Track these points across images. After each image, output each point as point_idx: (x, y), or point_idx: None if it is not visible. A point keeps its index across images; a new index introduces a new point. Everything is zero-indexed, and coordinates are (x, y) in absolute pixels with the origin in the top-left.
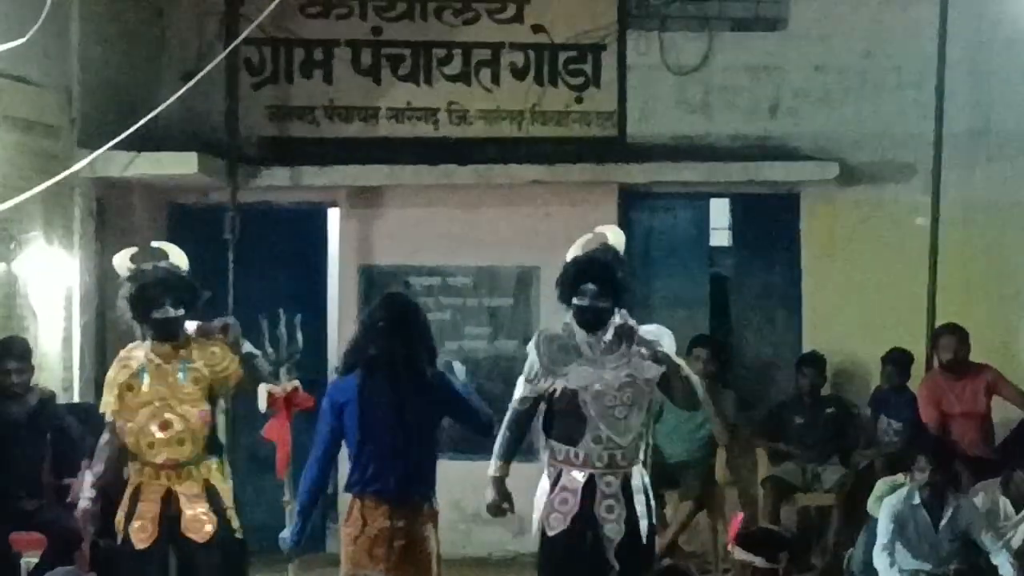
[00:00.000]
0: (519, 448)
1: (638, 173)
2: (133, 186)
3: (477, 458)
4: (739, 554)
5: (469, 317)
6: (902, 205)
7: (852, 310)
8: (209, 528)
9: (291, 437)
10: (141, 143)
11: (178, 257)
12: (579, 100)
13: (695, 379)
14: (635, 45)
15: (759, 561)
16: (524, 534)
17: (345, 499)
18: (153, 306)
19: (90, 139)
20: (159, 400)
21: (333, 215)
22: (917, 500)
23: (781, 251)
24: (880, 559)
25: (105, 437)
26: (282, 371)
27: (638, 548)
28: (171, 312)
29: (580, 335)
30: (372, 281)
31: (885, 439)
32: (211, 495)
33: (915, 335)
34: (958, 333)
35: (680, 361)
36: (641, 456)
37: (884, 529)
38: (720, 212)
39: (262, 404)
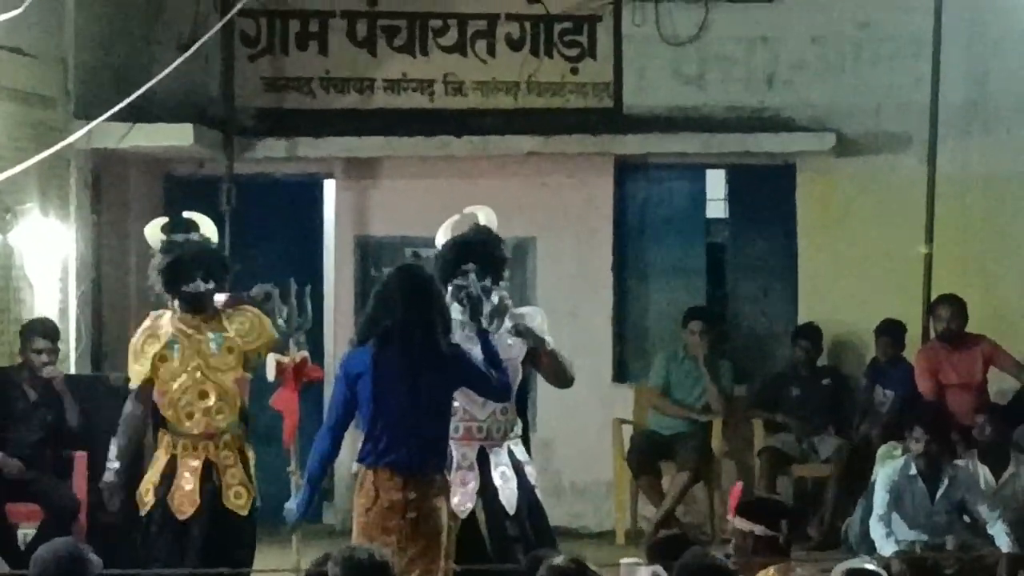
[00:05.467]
0: None
1: (634, 144)
2: (129, 157)
3: None
4: (739, 523)
5: None
6: (898, 176)
7: (848, 281)
8: (247, 500)
9: (298, 408)
10: (137, 114)
11: (209, 229)
12: (575, 71)
13: (564, 356)
14: (631, 16)
15: (760, 530)
16: None
17: (342, 472)
18: (184, 280)
19: (86, 110)
20: (194, 370)
21: (329, 186)
22: (913, 471)
23: (777, 222)
24: (876, 530)
25: (129, 408)
26: (291, 342)
27: (504, 519)
28: (202, 286)
29: (456, 312)
30: (368, 252)
31: (881, 410)
32: (244, 464)
33: (911, 306)
34: (954, 304)
35: (547, 337)
36: (508, 432)
37: (880, 500)
38: (716, 183)
39: (271, 374)
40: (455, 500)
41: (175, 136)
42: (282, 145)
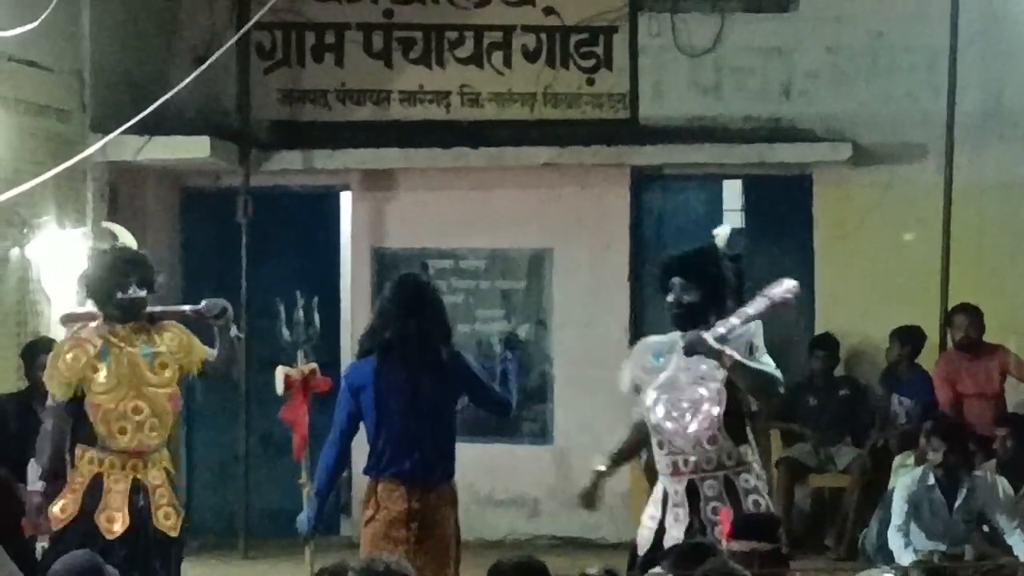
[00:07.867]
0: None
1: (650, 155)
2: (145, 170)
3: (490, 441)
4: (739, 546)
5: (482, 300)
6: (914, 186)
7: (865, 291)
8: (176, 521)
9: (308, 420)
10: (153, 127)
11: (127, 238)
12: (591, 82)
13: (759, 363)
14: (647, 27)
15: (762, 546)
16: (538, 516)
17: (360, 484)
18: (121, 287)
19: (102, 123)
20: (129, 384)
21: (345, 198)
22: (931, 481)
23: (794, 233)
24: (895, 540)
25: (50, 424)
26: (299, 354)
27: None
28: (138, 292)
29: (676, 333)
30: (385, 264)
31: (897, 419)
32: (171, 483)
33: (928, 316)
34: (972, 313)
35: (727, 349)
36: (724, 462)
37: (898, 510)
38: (733, 194)
39: (279, 387)
40: (671, 534)
41: (191, 149)
42: (298, 157)
